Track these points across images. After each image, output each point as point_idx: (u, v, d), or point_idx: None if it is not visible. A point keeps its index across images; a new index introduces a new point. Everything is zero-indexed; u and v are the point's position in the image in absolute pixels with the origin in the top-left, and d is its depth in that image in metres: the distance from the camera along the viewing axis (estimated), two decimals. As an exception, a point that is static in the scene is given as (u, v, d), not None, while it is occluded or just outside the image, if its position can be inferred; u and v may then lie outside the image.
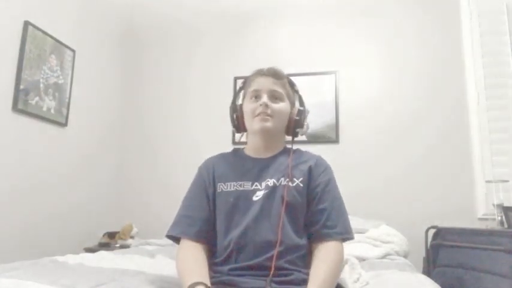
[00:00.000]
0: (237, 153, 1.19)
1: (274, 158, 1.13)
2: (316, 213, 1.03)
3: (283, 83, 1.16)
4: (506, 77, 2.51)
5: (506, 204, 2.14)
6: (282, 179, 1.05)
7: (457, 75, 2.63)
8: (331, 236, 0.99)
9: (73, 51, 2.67)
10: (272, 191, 1.04)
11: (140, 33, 3.33)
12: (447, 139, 2.58)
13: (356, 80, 2.81)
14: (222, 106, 2.91)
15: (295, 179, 1.05)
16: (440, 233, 2.09)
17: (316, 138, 2.74)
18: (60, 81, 2.55)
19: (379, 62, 2.81)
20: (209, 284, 0.88)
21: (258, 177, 1.08)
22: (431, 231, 2.15)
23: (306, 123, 1.17)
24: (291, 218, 1.01)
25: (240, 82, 1.24)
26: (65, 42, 2.59)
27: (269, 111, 1.09)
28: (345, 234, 1.01)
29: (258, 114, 1.09)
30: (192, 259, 0.98)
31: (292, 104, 1.18)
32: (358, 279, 1.28)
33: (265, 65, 1.20)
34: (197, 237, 1.03)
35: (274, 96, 1.12)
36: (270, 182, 1.05)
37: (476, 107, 2.53)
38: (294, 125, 1.15)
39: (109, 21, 3.10)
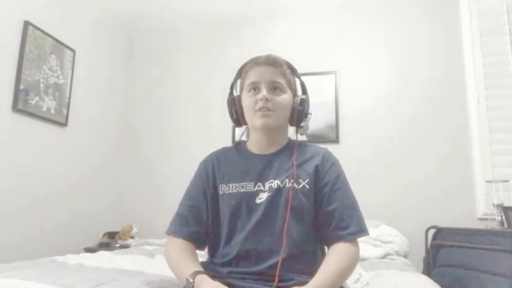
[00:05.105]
0: (239, 149, 1.13)
1: (277, 154, 1.06)
2: (326, 215, 0.96)
3: (282, 71, 1.07)
4: (506, 77, 2.51)
5: (506, 204, 2.14)
6: (287, 180, 0.98)
7: (457, 75, 2.63)
8: (344, 237, 0.93)
9: (73, 51, 2.67)
10: (276, 194, 0.97)
11: (140, 33, 3.33)
12: (447, 139, 2.58)
13: (356, 80, 2.81)
14: (223, 106, 2.96)
15: (300, 181, 0.98)
16: (440, 233, 2.09)
17: (316, 138, 2.73)
18: (60, 81, 2.55)
19: (379, 62, 2.80)
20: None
21: (261, 177, 1.01)
22: (431, 231, 2.14)
23: (310, 114, 1.10)
24: (297, 223, 0.94)
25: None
26: (65, 42, 2.59)
27: (270, 105, 1.01)
28: (359, 233, 0.95)
29: (259, 109, 1.01)
30: (184, 252, 0.97)
31: (294, 93, 1.10)
32: (358, 279, 1.28)
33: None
34: (188, 237, 1.01)
35: (275, 88, 1.04)
36: (274, 183, 0.98)
37: (476, 106, 2.53)
38: (298, 115, 1.07)
39: (109, 21, 3.10)
